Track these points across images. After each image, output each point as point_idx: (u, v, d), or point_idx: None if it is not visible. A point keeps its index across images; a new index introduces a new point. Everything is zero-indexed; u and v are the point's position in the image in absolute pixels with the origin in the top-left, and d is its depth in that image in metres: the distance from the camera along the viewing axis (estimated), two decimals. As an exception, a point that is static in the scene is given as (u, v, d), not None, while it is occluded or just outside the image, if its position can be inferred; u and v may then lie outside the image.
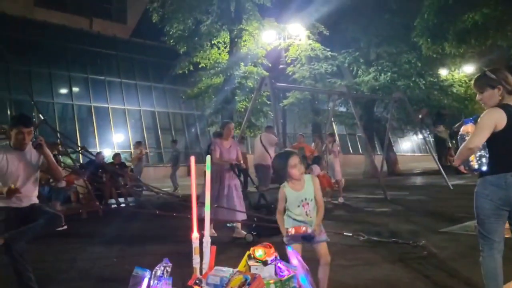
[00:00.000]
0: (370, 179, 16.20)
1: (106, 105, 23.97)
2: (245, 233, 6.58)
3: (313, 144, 13.42)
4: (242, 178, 7.59)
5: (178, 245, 5.66)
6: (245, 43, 15.82)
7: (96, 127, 23.14)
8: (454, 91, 19.75)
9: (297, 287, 2.38)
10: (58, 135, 9.68)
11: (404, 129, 22.69)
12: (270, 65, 16.62)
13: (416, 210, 8.93)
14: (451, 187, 12.21)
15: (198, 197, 2.60)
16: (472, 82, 3.29)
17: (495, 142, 3.00)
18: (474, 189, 3.17)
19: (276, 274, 2.40)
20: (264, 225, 6.09)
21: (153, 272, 2.30)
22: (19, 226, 3.75)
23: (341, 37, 18.04)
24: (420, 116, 13.00)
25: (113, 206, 10.36)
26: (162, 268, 2.31)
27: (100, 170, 10.16)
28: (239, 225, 6.68)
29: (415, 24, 14.11)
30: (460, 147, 3.08)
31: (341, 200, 10.24)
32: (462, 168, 3.20)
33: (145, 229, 7.35)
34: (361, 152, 28.63)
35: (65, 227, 6.00)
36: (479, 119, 3.03)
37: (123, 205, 10.91)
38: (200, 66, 16.45)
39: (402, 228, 6.86)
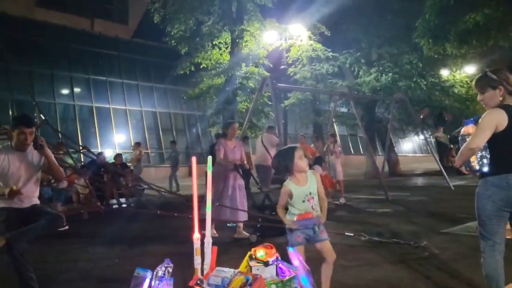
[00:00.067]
0: (372, 180, 16.18)
1: (108, 106, 23.99)
2: (246, 234, 6.59)
3: (312, 145, 13.42)
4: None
5: (179, 245, 5.68)
6: (246, 43, 15.83)
7: (98, 127, 23.16)
8: (456, 91, 19.74)
9: (298, 287, 2.38)
10: (60, 135, 9.70)
11: (405, 130, 22.67)
12: (271, 65, 16.62)
13: (418, 210, 8.92)
14: (453, 188, 12.20)
15: (202, 198, 2.59)
16: (473, 82, 3.28)
17: (496, 143, 3.00)
18: (476, 190, 3.17)
19: (277, 274, 2.40)
20: (268, 225, 6.08)
21: (155, 273, 2.30)
22: (20, 227, 3.76)
23: (342, 38, 18.04)
24: (421, 117, 13.00)
25: (114, 206, 10.36)
26: (164, 268, 2.31)
27: (102, 169, 10.16)
28: (241, 225, 6.68)
29: (416, 25, 14.10)
30: (461, 148, 3.07)
31: (342, 200, 10.24)
32: (463, 169, 3.20)
33: (146, 229, 7.35)
34: (362, 152, 28.58)
35: (67, 227, 6.02)
36: (480, 120, 3.03)
37: (124, 205, 10.91)
38: (201, 67, 16.46)
39: (403, 229, 6.85)
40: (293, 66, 17.91)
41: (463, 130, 3.18)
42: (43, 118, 11.07)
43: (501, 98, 3.05)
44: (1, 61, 18.94)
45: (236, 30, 15.39)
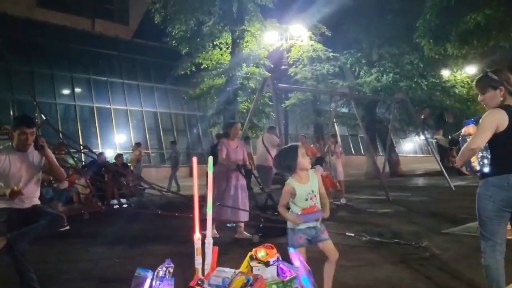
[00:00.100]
0: (372, 180, 16.18)
1: (108, 106, 24.01)
2: (247, 234, 6.58)
3: (311, 145, 13.41)
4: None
5: (180, 245, 5.68)
6: (247, 44, 15.83)
7: (98, 127, 23.18)
8: (457, 92, 19.74)
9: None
10: (61, 135, 9.70)
11: (406, 130, 22.68)
12: (272, 66, 16.62)
13: (418, 211, 8.92)
14: (453, 188, 12.19)
15: (203, 198, 2.60)
16: (474, 83, 3.28)
17: (497, 143, 2.99)
18: (476, 190, 3.17)
19: (278, 275, 2.40)
20: (271, 225, 6.08)
21: (155, 273, 2.30)
22: (21, 227, 3.76)
23: (343, 38, 18.04)
24: (422, 117, 12.99)
25: (115, 206, 10.37)
26: (164, 268, 2.31)
27: (103, 169, 10.16)
28: (242, 225, 6.67)
29: (417, 25, 14.09)
30: (462, 148, 3.07)
31: (343, 201, 10.24)
32: (464, 169, 3.20)
33: (147, 229, 7.35)
34: (363, 153, 28.60)
35: (67, 227, 6.02)
36: (480, 120, 3.03)
37: (125, 205, 10.92)
38: (202, 67, 16.46)
39: (404, 229, 6.85)
40: (294, 67, 17.92)
41: (464, 130, 3.18)
42: (44, 118, 11.06)
43: (501, 99, 3.04)
44: (2, 61, 18.96)
45: (237, 31, 15.39)
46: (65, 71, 23.37)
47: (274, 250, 2.46)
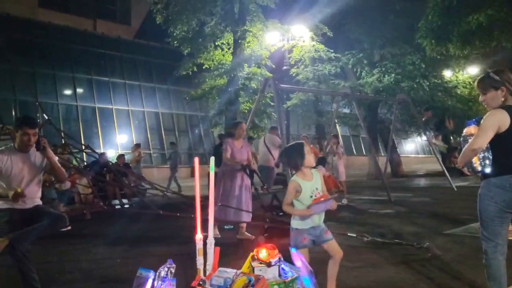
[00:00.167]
0: (374, 181, 16.17)
1: (110, 106, 24.04)
2: (249, 234, 6.58)
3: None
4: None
5: (182, 246, 5.68)
6: (248, 44, 15.82)
7: (100, 128, 23.20)
8: (458, 92, 19.72)
9: (300, 288, 2.39)
10: (62, 135, 9.73)
11: (408, 131, 22.65)
12: (273, 66, 16.61)
13: (420, 211, 8.90)
14: (455, 189, 12.17)
15: (206, 198, 2.60)
16: (476, 83, 3.28)
17: (498, 144, 2.99)
18: (478, 191, 3.17)
19: (279, 275, 2.41)
20: (276, 226, 6.07)
21: (157, 273, 2.30)
22: (23, 227, 3.76)
23: (344, 38, 18.03)
24: (423, 119, 12.99)
25: (117, 206, 10.38)
26: (166, 269, 2.32)
27: (105, 169, 10.17)
28: (243, 226, 6.66)
29: (419, 26, 14.07)
30: (464, 149, 3.07)
31: (345, 201, 10.22)
32: (465, 170, 3.20)
33: (148, 229, 7.36)
34: (364, 153, 28.62)
35: (69, 228, 6.03)
36: (482, 121, 3.03)
37: (126, 205, 10.93)
38: (203, 67, 16.46)
39: (406, 230, 6.85)
40: (295, 67, 17.91)
41: (465, 131, 3.18)
42: (46, 118, 11.08)
43: (503, 99, 3.04)
44: (4, 61, 19.00)
45: (239, 31, 15.38)
46: (67, 72, 23.40)
47: (276, 251, 2.47)
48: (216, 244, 2.35)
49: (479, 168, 3.06)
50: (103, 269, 5.08)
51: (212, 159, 2.53)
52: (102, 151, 17.77)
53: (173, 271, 2.33)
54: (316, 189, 3.46)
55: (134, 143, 17.78)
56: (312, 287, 2.45)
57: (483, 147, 2.98)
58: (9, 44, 20.03)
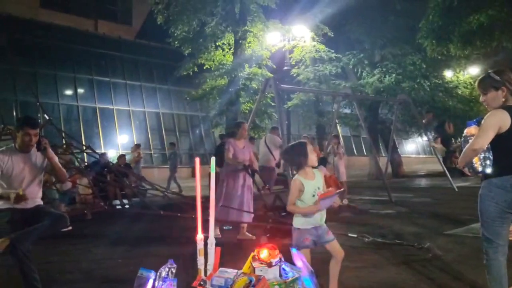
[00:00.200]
0: (375, 181, 16.16)
1: (111, 106, 24.05)
2: (249, 235, 6.58)
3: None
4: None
5: (183, 246, 5.66)
6: (249, 44, 15.82)
7: (101, 128, 23.22)
8: (459, 92, 19.70)
9: (301, 288, 2.39)
10: (63, 135, 9.73)
11: (408, 131, 22.64)
12: (274, 66, 16.60)
13: (421, 212, 8.90)
14: (456, 189, 12.16)
15: (207, 199, 2.60)
16: (476, 83, 3.28)
17: (499, 144, 2.99)
18: (479, 191, 3.16)
19: (280, 275, 2.41)
20: (278, 226, 6.07)
21: (158, 273, 2.31)
22: (24, 227, 3.77)
23: (345, 39, 18.03)
24: (424, 121, 13.01)
25: (117, 207, 10.38)
26: (167, 269, 2.32)
27: (106, 169, 10.17)
28: (244, 226, 6.66)
29: (420, 26, 14.06)
30: (464, 149, 3.07)
31: (345, 201, 10.21)
32: (466, 170, 3.20)
33: (149, 230, 7.36)
34: (365, 154, 28.59)
35: (70, 228, 6.02)
36: (483, 121, 3.03)
37: (127, 206, 10.93)
38: (204, 68, 16.46)
39: (406, 230, 6.84)
40: (296, 67, 17.90)
41: (466, 131, 3.18)
42: (47, 118, 11.08)
43: (503, 99, 3.04)
44: (6, 62, 19.00)
45: (239, 31, 15.38)
46: (68, 72, 23.42)
47: (277, 251, 2.46)
48: (217, 244, 2.36)
49: (480, 169, 3.06)
50: (104, 269, 5.09)
51: (213, 159, 2.53)
52: (103, 151, 17.80)
53: (174, 271, 2.34)
54: (318, 188, 3.47)
55: (135, 143, 17.82)
56: (313, 287, 2.45)
57: (484, 147, 2.98)
58: (10, 44, 20.02)
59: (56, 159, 4.19)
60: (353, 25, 17.48)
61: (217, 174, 7.29)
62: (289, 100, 18.71)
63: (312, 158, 3.52)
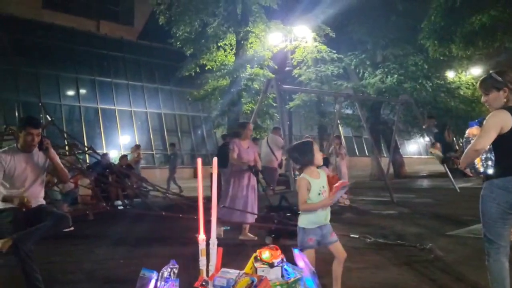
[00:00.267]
0: (376, 182, 16.14)
1: (113, 107, 24.08)
2: (251, 235, 6.58)
3: None
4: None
5: (185, 246, 5.68)
6: (251, 45, 15.82)
7: (103, 128, 23.25)
8: (461, 93, 19.66)
9: (303, 289, 2.39)
10: (65, 135, 9.74)
11: (410, 132, 22.62)
12: (276, 67, 16.60)
13: (423, 212, 8.89)
14: (458, 190, 12.14)
15: (209, 199, 2.60)
16: (478, 83, 3.28)
17: (501, 145, 2.99)
18: (480, 192, 3.16)
19: (282, 276, 2.41)
20: (283, 227, 6.06)
21: (160, 274, 2.31)
22: (26, 227, 3.78)
23: (347, 39, 18.01)
24: (424, 127, 13.03)
25: (119, 207, 10.39)
26: (169, 269, 2.32)
27: (108, 170, 10.19)
28: (246, 227, 6.66)
29: (422, 26, 14.05)
30: (466, 149, 3.07)
31: (347, 202, 10.21)
32: (467, 171, 3.19)
33: (151, 230, 7.36)
34: (367, 154, 28.54)
35: (72, 228, 6.04)
36: (484, 121, 3.02)
37: (129, 206, 10.94)
38: (206, 68, 16.47)
39: (408, 231, 6.84)
40: (298, 68, 17.89)
41: (468, 132, 3.17)
42: (50, 119, 11.11)
43: (505, 100, 3.04)
44: (8, 62, 19.05)
45: (241, 32, 15.38)
46: (70, 72, 23.46)
47: (279, 252, 2.47)
48: (219, 245, 2.36)
49: (482, 169, 3.06)
50: (106, 270, 5.09)
51: (215, 159, 2.53)
52: (104, 151, 17.83)
53: (176, 271, 2.34)
54: (323, 187, 3.51)
55: (136, 144, 17.85)
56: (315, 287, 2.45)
57: (486, 147, 2.97)
58: (12, 44, 20.08)
59: (57, 159, 4.20)
60: (355, 26, 17.47)
61: (218, 174, 7.29)
62: (291, 100, 18.70)
63: (318, 157, 3.56)
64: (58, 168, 4.15)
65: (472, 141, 3.03)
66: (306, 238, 3.43)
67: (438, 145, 6.77)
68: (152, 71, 26.29)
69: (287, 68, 16.60)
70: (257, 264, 2.43)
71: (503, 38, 12.92)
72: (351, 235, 6.03)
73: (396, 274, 4.50)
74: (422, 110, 17.12)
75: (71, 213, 6.43)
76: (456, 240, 6.04)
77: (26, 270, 3.67)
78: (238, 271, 2.33)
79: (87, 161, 12.53)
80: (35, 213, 3.92)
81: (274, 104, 15.47)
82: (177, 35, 15.57)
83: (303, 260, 2.56)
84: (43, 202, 4.15)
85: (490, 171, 3.03)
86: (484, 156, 3.02)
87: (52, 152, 4.07)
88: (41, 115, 16.25)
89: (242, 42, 15.68)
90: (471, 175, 3.29)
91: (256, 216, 6.64)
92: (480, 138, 2.96)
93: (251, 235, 6.59)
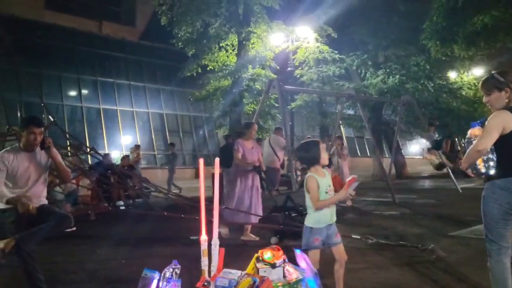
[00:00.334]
0: (378, 182, 16.13)
1: (115, 107, 24.09)
2: (253, 236, 6.58)
3: None
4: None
5: (187, 247, 5.69)
6: (253, 45, 15.82)
7: (105, 129, 23.26)
8: (463, 94, 19.66)
9: (305, 290, 2.39)
10: (67, 136, 9.76)
11: (412, 132, 22.60)
12: (278, 67, 16.60)
13: (425, 213, 8.89)
14: (460, 191, 12.13)
15: (211, 200, 2.61)
16: (480, 84, 3.28)
17: (502, 145, 2.98)
18: (482, 193, 3.16)
19: (284, 276, 2.41)
20: (288, 228, 6.06)
21: (162, 274, 2.31)
22: (28, 227, 3.78)
23: (349, 40, 18.01)
24: (422, 134, 13.06)
25: (121, 207, 10.40)
26: (171, 269, 2.33)
27: (109, 171, 10.20)
28: (248, 228, 6.66)
29: (424, 27, 14.05)
30: (468, 150, 3.06)
31: (349, 203, 10.20)
32: (469, 171, 3.19)
33: (153, 230, 7.36)
34: (369, 155, 28.50)
35: (74, 228, 6.04)
36: (486, 122, 3.02)
37: (131, 207, 10.95)
38: (208, 69, 16.47)
39: (410, 232, 6.83)
40: (299, 68, 17.89)
41: (470, 132, 3.17)
42: (52, 119, 11.12)
43: (507, 100, 3.04)
44: (10, 63, 19.06)
45: (243, 32, 15.38)
46: (72, 73, 23.48)
47: (281, 252, 2.47)
48: (220, 245, 2.36)
49: (483, 170, 3.05)
50: (108, 270, 5.10)
51: (217, 160, 2.54)
52: (106, 152, 17.85)
53: (178, 272, 2.34)
54: (329, 186, 3.53)
55: (140, 144, 17.86)
56: (316, 288, 2.45)
57: (488, 148, 2.97)
58: (14, 45, 20.09)
59: (59, 158, 4.21)
60: (356, 26, 17.47)
61: (220, 175, 7.29)
62: (292, 101, 18.70)
63: (324, 157, 3.58)
64: (60, 167, 4.16)
65: (474, 142, 3.03)
66: (312, 238, 3.43)
67: (434, 151, 6.81)
68: (154, 71, 26.30)
69: (289, 69, 16.59)
70: (259, 265, 2.43)
71: (505, 39, 12.92)
72: (353, 236, 6.02)
73: (397, 275, 4.50)
74: (424, 111, 17.11)
75: (73, 213, 6.45)
76: (458, 241, 6.03)
77: (28, 270, 3.68)
78: (240, 271, 2.34)
79: (89, 161, 12.55)
80: (37, 213, 3.93)
81: (276, 105, 15.47)
82: (179, 35, 15.59)
83: (305, 261, 2.56)
84: (46, 201, 4.16)
85: (492, 171, 3.03)
86: (486, 156, 3.02)
87: (54, 151, 4.08)
88: (43, 116, 16.30)
89: (244, 42, 15.69)
90: (472, 175, 3.29)
91: (258, 217, 6.65)
92: (482, 138, 2.96)
93: (253, 236, 6.59)
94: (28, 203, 3.80)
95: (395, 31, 17.10)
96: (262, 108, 12.01)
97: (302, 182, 3.89)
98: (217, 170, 2.49)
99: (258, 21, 15.33)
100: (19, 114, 20.10)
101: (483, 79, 3.25)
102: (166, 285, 2.27)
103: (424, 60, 17.22)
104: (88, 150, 9.73)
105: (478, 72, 19.79)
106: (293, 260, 2.58)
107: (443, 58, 14.97)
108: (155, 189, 7.99)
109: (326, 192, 3.48)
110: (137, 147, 15.14)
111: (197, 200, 2.69)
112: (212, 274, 2.30)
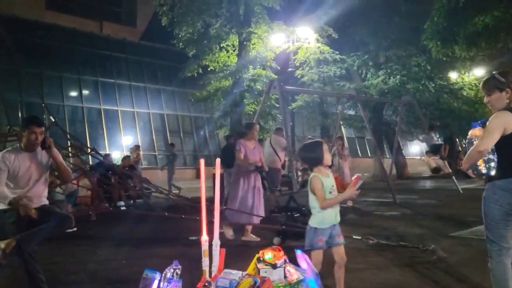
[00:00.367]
0: (379, 183, 16.12)
1: (116, 108, 24.11)
2: (254, 236, 6.58)
3: None
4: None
5: (188, 247, 5.69)
6: (254, 46, 15.82)
7: (106, 129, 23.27)
8: (464, 94, 19.65)
9: (305, 290, 2.39)
10: (68, 136, 9.75)
11: (413, 133, 22.58)
12: (279, 68, 16.61)
13: (426, 214, 8.88)
14: (461, 191, 12.12)
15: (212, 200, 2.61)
16: (481, 84, 3.28)
17: (503, 146, 2.98)
18: (483, 193, 3.16)
19: (285, 277, 2.41)
20: (290, 229, 6.06)
21: (163, 274, 2.31)
22: (29, 228, 3.78)
23: (350, 40, 18.02)
24: (421, 138, 13.09)
25: (122, 208, 10.40)
26: (172, 270, 2.33)
27: (110, 172, 10.20)
28: (249, 228, 6.66)
29: (424, 27, 14.04)
30: (469, 151, 3.06)
31: (350, 203, 10.19)
32: (470, 172, 3.19)
33: (154, 231, 7.37)
34: (370, 155, 28.51)
35: (75, 229, 6.05)
36: (487, 122, 3.02)
37: (131, 207, 10.95)
38: (209, 69, 16.47)
39: (411, 232, 6.83)
40: (300, 69, 17.89)
41: (470, 133, 3.17)
42: (53, 119, 11.13)
43: (507, 101, 3.03)
44: (11, 63, 19.07)
45: (244, 33, 15.38)
46: (73, 73, 23.50)
47: (282, 253, 2.47)
48: (221, 246, 2.36)
49: (484, 171, 3.05)
50: (109, 270, 5.10)
51: (218, 160, 2.54)
52: (107, 152, 17.85)
53: (179, 272, 2.34)
54: (332, 186, 3.54)
55: (141, 144, 17.85)
56: (317, 289, 2.45)
57: (489, 148, 2.97)
58: (15, 45, 20.08)
59: (60, 157, 4.21)
60: (357, 27, 17.47)
61: (221, 175, 7.27)
62: (293, 101, 18.69)
63: (327, 157, 3.59)
64: (61, 167, 4.16)
65: (475, 142, 3.02)
66: (316, 238, 3.43)
67: (431, 154, 6.84)
68: (154, 72, 26.31)
69: (289, 69, 16.59)
70: (260, 265, 2.43)
71: (506, 39, 12.92)
72: (354, 237, 6.02)
73: (398, 275, 4.50)
74: (425, 111, 17.10)
75: (74, 214, 6.45)
76: (459, 242, 6.03)
77: (29, 270, 3.68)
78: (241, 272, 2.34)
79: (90, 162, 12.56)
80: (38, 213, 3.92)
81: (277, 105, 15.47)
82: (180, 36, 15.59)
83: (305, 261, 2.56)
84: (46, 202, 4.16)
85: (493, 172, 3.03)
86: (487, 157, 3.02)
87: (55, 151, 4.08)
88: (44, 116, 16.29)
89: (245, 43, 15.69)
90: (473, 176, 3.29)
91: (260, 217, 6.64)
92: (483, 139, 2.96)
93: (254, 236, 6.59)
94: (31, 206, 3.79)
95: (396, 31, 17.10)
96: (263, 108, 12.01)
97: (303, 182, 3.90)
98: (218, 171, 2.50)
99: (259, 21, 15.33)
100: (20, 115, 20.12)
101: (484, 79, 3.25)
102: (167, 286, 2.28)
103: (425, 60, 17.22)
104: (89, 150, 9.71)
105: (479, 72, 19.78)
106: (294, 261, 2.58)
107: (444, 59, 14.97)
108: (156, 189, 7.99)
109: (330, 192, 3.48)
110: (137, 147, 15.14)
111: (197, 200, 2.69)
112: (213, 275, 2.31)
